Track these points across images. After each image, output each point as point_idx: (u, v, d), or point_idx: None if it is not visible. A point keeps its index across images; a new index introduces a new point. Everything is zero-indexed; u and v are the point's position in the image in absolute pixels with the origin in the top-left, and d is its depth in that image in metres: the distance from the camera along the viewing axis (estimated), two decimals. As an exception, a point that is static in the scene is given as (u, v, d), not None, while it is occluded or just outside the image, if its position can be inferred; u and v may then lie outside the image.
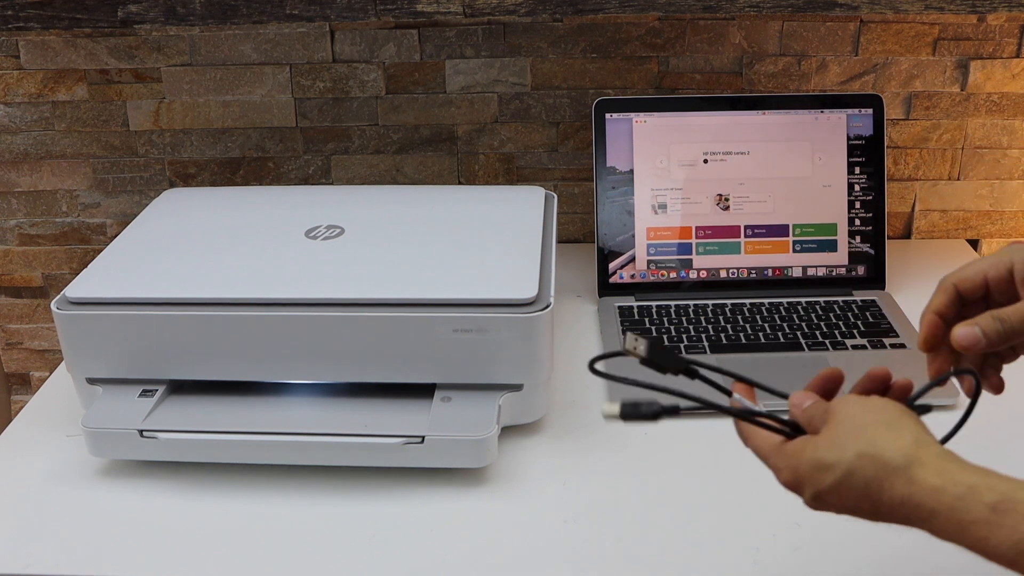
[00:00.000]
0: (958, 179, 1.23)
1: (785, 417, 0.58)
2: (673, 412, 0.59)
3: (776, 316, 1.04)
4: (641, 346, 0.61)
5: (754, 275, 1.10)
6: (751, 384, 0.62)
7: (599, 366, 0.60)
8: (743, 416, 0.59)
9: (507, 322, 0.81)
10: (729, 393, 0.62)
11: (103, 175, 1.25)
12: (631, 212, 1.09)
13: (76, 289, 0.84)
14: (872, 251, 1.10)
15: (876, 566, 0.72)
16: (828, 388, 0.61)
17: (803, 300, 1.07)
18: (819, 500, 0.53)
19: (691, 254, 1.10)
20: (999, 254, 0.62)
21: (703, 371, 0.62)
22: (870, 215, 1.10)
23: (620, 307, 1.07)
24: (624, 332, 1.02)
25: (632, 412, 0.60)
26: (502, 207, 1.00)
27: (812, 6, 1.09)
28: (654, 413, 0.59)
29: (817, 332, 1.01)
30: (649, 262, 1.10)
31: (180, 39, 1.17)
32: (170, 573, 0.74)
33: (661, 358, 0.61)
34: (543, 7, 1.10)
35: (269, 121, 1.21)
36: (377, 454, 0.80)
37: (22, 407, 0.97)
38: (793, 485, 0.55)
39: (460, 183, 1.25)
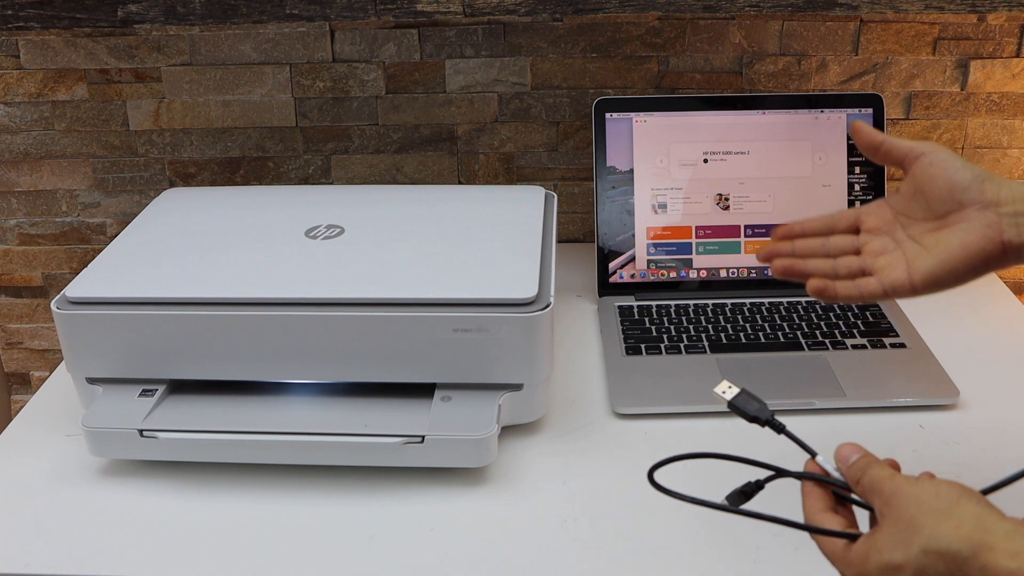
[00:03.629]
0: (958, 179, 1.23)
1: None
2: (775, 427, 0.63)
3: (776, 316, 1.04)
4: (731, 393, 0.64)
5: (754, 275, 1.10)
6: (810, 452, 0.62)
7: (658, 477, 0.60)
8: (813, 478, 0.59)
9: (507, 322, 0.81)
10: (812, 455, 0.61)
11: (103, 175, 1.25)
12: (631, 212, 1.09)
13: (76, 289, 0.84)
14: (872, 251, 1.10)
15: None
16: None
17: (803, 300, 1.07)
18: None
19: (691, 254, 1.10)
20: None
21: (787, 428, 0.63)
22: (870, 215, 1.10)
23: (620, 307, 1.07)
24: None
25: (743, 403, 0.64)
26: (502, 207, 1.00)
27: (812, 6, 1.09)
28: (764, 420, 0.63)
29: (817, 332, 1.01)
30: (649, 262, 1.10)
31: (180, 39, 1.17)
32: (170, 573, 0.74)
33: (748, 407, 0.63)
34: (543, 7, 1.10)
35: (269, 121, 1.21)
36: (377, 454, 0.80)
37: (22, 407, 0.97)
38: None
39: (460, 183, 1.25)
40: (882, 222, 0.70)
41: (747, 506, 0.58)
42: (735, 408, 0.64)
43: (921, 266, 0.65)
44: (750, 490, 0.60)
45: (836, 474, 0.59)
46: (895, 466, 0.59)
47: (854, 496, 0.58)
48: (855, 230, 0.71)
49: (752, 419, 0.63)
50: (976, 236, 0.64)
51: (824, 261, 0.70)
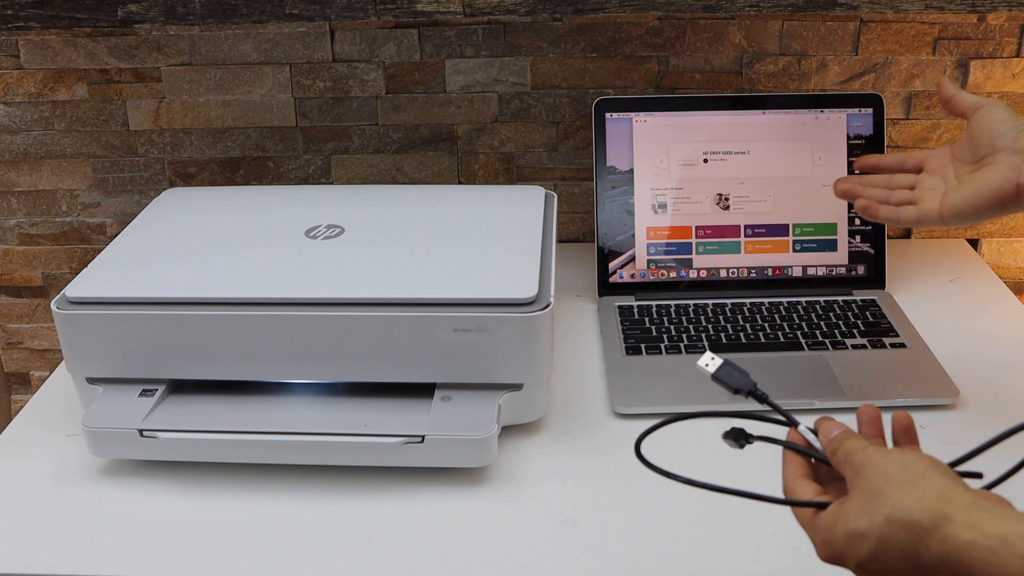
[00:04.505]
0: (958, 179, 1.23)
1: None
2: (758, 396, 0.64)
3: (776, 316, 1.04)
4: (714, 365, 0.65)
5: (754, 275, 1.10)
6: (793, 424, 0.63)
7: (644, 449, 0.61)
8: (793, 448, 0.61)
9: (507, 321, 0.81)
10: (793, 424, 0.62)
11: (103, 175, 1.25)
12: (631, 212, 1.09)
13: (76, 289, 0.84)
14: (872, 251, 1.10)
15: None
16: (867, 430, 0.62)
17: (803, 300, 1.07)
18: (864, 569, 0.52)
19: (691, 254, 1.10)
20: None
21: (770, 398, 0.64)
22: (870, 215, 1.10)
23: (620, 307, 1.07)
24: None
25: (725, 375, 0.65)
26: (502, 207, 1.00)
27: (812, 5, 1.09)
28: (746, 390, 0.65)
29: (817, 332, 1.01)
30: (649, 262, 1.10)
31: (180, 39, 1.17)
32: (170, 573, 0.74)
33: (730, 378, 0.65)
34: (543, 7, 1.10)
35: (269, 121, 1.21)
36: (377, 454, 0.80)
37: (22, 407, 0.97)
38: (834, 559, 0.54)
39: (460, 183, 1.25)
40: (940, 164, 0.81)
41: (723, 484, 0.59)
42: (719, 381, 0.65)
43: (950, 198, 0.77)
44: (742, 436, 0.62)
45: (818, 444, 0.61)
46: (882, 442, 0.60)
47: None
48: (920, 170, 0.83)
49: (735, 391, 0.65)
50: (997, 176, 0.74)
51: (880, 190, 0.83)
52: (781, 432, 0.63)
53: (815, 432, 0.61)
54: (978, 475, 0.58)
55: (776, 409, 0.63)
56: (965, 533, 0.48)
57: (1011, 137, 0.75)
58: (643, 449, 0.60)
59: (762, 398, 0.64)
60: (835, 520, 0.54)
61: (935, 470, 0.52)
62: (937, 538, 0.49)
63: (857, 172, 0.91)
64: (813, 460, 0.61)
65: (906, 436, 0.60)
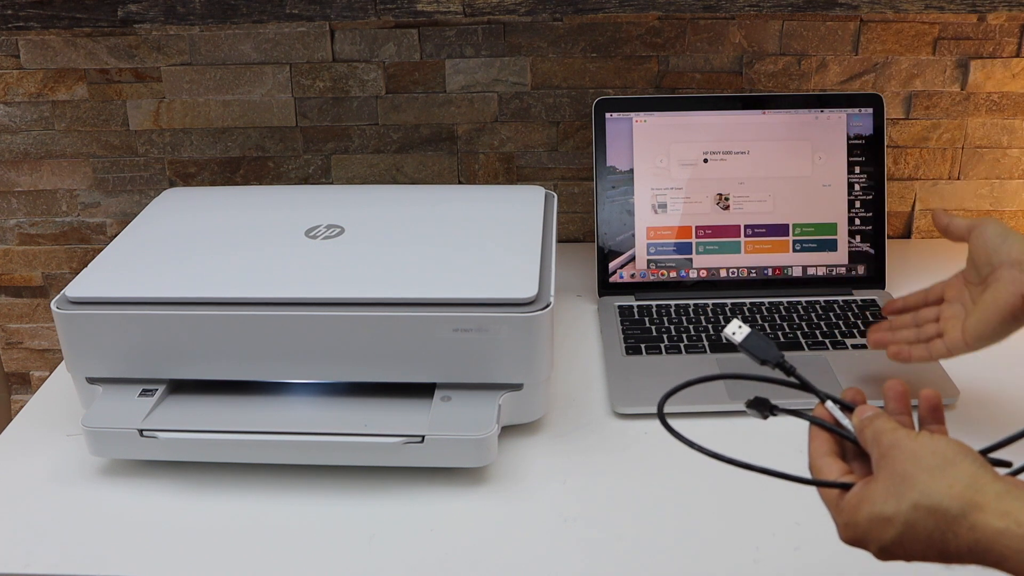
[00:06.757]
0: (958, 178, 1.23)
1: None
2: (785, 369, 0.63)
3: (776, 316, 1.04)
4: (741, 334, 0.65)
5: (754, 275, 1.10)
6: (821, 398, 0.62)
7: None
8: (820, 424, 0.60)
9: (507, 321, 0.81)
10: (822, 399, 0.62)
11: (103, 175, 1.25)
12: (631, 212, 1.09)
13: (76, 289, 0.84)
14: (872, 251, 1.10)
15: (876, 565, 0.72)
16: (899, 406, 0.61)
17: (803, 300, 1.07)
18: (887, 552, 0.52)
19: (691, 253, 1.10)
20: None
21: (798, 371, 0.64)
22: (870, 215, 1.10)
23: (620, 306, 1.07)
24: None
25: (753, 345, 0.64)
26: (502, 207, 1.00)
27: (812, 5, 1.09)
28: (773, 361, 0.64)
29: (817, 332, 1.01)
30: (649, 261, 1.10)
31: (180, 38, 1.17)
32: (170, 573, 0.74)
33: (757, 348, 0.64)
34: (543, 6, 1.10)
35: (269, 121, 1.21)
36: (377, 454, 0.80)
37: (22, 407, 0.97)
38: (856, 541, 0.54)
39: (460, 183, 1.25)
40: (957, 291, 0.83)
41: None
42: (746, 350, 0.65)
43: (969, 325, 0.78)
44: (766, 407, 0.61)
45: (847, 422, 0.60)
46: (909, 424, 0.59)
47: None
48: (941, 299, 0.85)
49: (763, 362, 0.65)
50: (1003, 293, 0.75)
51: (910, 331, 0.86)
52: (805, 407, 0.61)
53: (839, 404, 0.60)
54: (1008, 463, 0.57)
55: (805, 384, 0.62)
56: (997, 522, 0.47)
57: (1005, 251, 0.76)
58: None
59: (789, 370, 0.63)
60: (859, 502, 0.53)
61: (965, 457, 0.52)
62: (966, 526, 0.48)
63: (885, 316, 0.92)
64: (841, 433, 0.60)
65: (933, 416, 0.60)
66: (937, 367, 0.95)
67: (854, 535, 0.54)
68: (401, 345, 0.82)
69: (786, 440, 0.84)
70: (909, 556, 0.51)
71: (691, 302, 1.07)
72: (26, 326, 1.34)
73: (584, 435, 0.88)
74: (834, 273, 1.10)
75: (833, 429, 0.60)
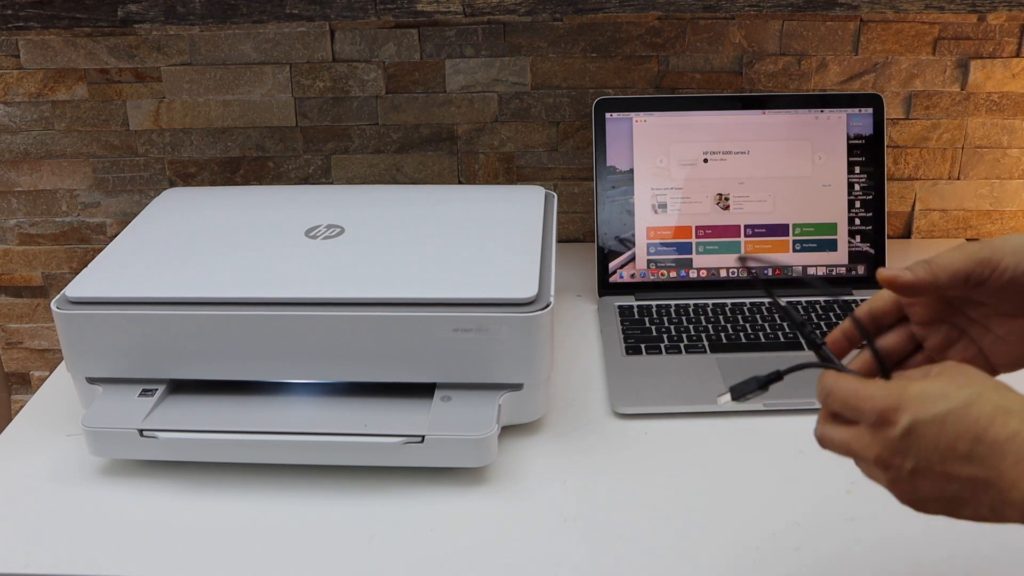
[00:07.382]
0: (958, 179, 1.23)
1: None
2: (776, 378, 0.64)
3: (776, 316, 1.04)
4: (726, 398, 0.65)
5: (754, 274, 1.10)
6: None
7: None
8: (837, 366, 0.61)
9: (507, 321, 0.81)
10: (819, 346, 0.62)
11: (103, 175, 1.25)
12: (631, 212, 1.09)
13: (76, 288, 0.84)
14: (872, 251, 1.10)
15: (876, 565, 0.72)
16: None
17: (803, 300, 1.07)
18: (911, 434, 0.51)
19: (691, 253, 1.10)
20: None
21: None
22: (870, 215, 1.10)
23: (620, 306, 1.07)
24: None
25: (742, 392, 0.64)
26: (502, 207, 1.00)
27: (812, 5, 1.09)
28: (761, 385, 0.64)
29: (817, 332, 1.01)
30: (649, 261, 1.10)
31: (180, 38, 1.17)
32: (170, 573, 0.74)
33: (746, 386, 0.66)
34: (543, 6, 1.10)
35: (269, 121, 1.21)
36: (377, 454, 0.80)
37: (22, 407, 0.97)
38: (887, 415, 0.52)
39: (460, 183, 1.25)
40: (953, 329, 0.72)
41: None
42: (741, 395, 0.65)
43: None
44: (756, 382, 0.64)
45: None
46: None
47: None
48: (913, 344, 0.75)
49: (758, 383, 0.65)
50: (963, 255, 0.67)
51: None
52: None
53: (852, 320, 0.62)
54: None
55: (829, 359, 0.64)
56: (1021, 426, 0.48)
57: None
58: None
59: (814, 341, 0.65)
60: (909, 381, 0.53)
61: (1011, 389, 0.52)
62: (1020, 419, 0.49)
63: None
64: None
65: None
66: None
67: (887, 405, 0.52)
68: (401, 345, 0.82)
69: (786, 440, 0.84)
70: (932, 445, 0.50)
71: (691, 302, 1.07)
72: (26, 326, 1.34)
73: (584, 435, 0.88)
74: (834, 273, 1.11)
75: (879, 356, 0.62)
